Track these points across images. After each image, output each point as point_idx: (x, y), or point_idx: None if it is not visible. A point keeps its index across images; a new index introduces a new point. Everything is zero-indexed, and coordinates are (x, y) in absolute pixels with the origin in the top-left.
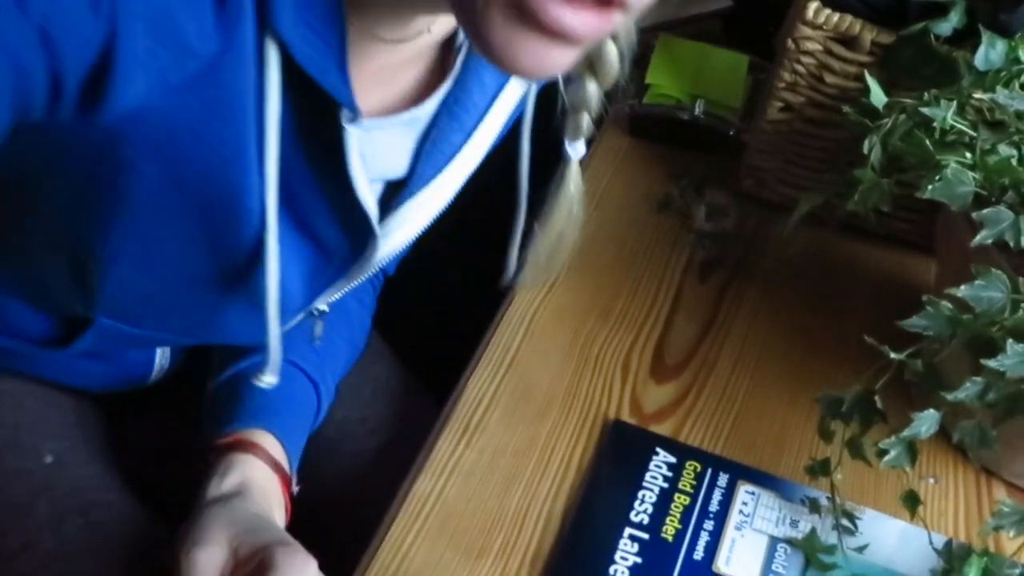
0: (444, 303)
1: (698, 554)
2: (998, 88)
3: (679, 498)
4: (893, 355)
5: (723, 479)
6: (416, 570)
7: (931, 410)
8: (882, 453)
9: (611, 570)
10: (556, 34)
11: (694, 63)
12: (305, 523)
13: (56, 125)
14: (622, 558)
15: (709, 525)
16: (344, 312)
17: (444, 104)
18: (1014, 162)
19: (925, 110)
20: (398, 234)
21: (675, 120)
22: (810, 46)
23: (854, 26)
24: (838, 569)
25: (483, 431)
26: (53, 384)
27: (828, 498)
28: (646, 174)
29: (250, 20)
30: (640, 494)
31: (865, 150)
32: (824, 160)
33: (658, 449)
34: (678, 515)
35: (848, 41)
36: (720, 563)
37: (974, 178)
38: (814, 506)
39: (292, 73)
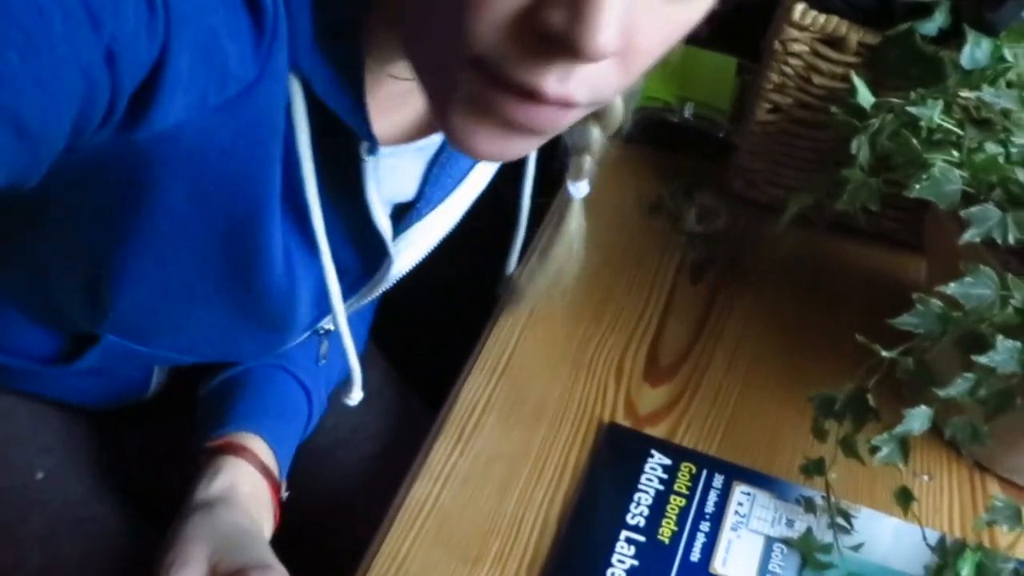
0: (437, 309)
1: (695, 555)
2: (984, 86)
3: (675, 500)
4: (885, 353)
5: (718, 480)
6: None
7: (923, 407)
8: (875, 450)
9: (608, 573)
10: (515, 128)
11: (682, 66)
12: (299, 530)
13: (91, 144)
14: (619, 561)
15: (705, 526)
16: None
17: None
18: (1001, 160)
19: (912, 109)
20: (406, 255)
21: (664, 123)
22: (797, 48)
23: (840, 27)
24: (834, 568)
25: (478, 437)
26: (48, 400)
27: (823, 497)
28: (636, 177)
29: (284, 50)
30: (636, 496)
31: (853, 150)
32: (813, 160)
33: (653, 451)
34: (674, 517)
35: (835, 42)
36: (717, 564)
37: (961, 176)
38: (809, 505)
39: (313, 103)
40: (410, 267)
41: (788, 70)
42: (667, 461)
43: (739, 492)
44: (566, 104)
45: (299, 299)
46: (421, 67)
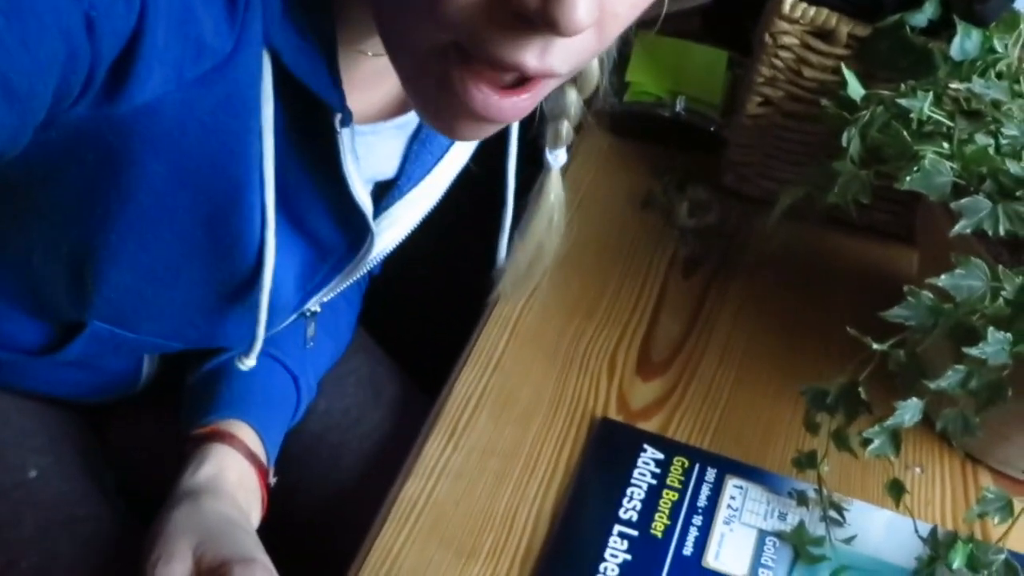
0: (430, 300)
1: (687, 549)
2: (974, 78)
3: (667, 494)
4: (876, 346)
5: (711, 474)
6: (407, 572)
7: (914, 399)
8: (867, 443)
9: (601, 568)
10: (487, 119)
11: (673, 60)
12: (291, 517)
13: (71, 119)
14: (612, 555)
15: (698, 520)
16: (332, 310)
17: None
18: (991, 151)
19: (902, 101)
20: (389, 233)
21: (656, 117)
22: (787, 40)
23: (830, 19)
24: (827, 561)
25: (471, 432)
26: (37, 396)
27: (815, 490)
28: (628, 172)
29: (258, 23)
30: (628, 491)
31: (844, 143)
32: (804, 153)
33: (646, 446)
34: (667, 511)
35: (825, 35)
36: (710, 558)
37: (952, 168)
38: (802, 498)
39: (287, 77)
40: (393, 245)
41: (779, 63)
42: (660, 455)
43: (731, 486)
44: (548, 76)
45: (282, 275)
46: (395, 50)
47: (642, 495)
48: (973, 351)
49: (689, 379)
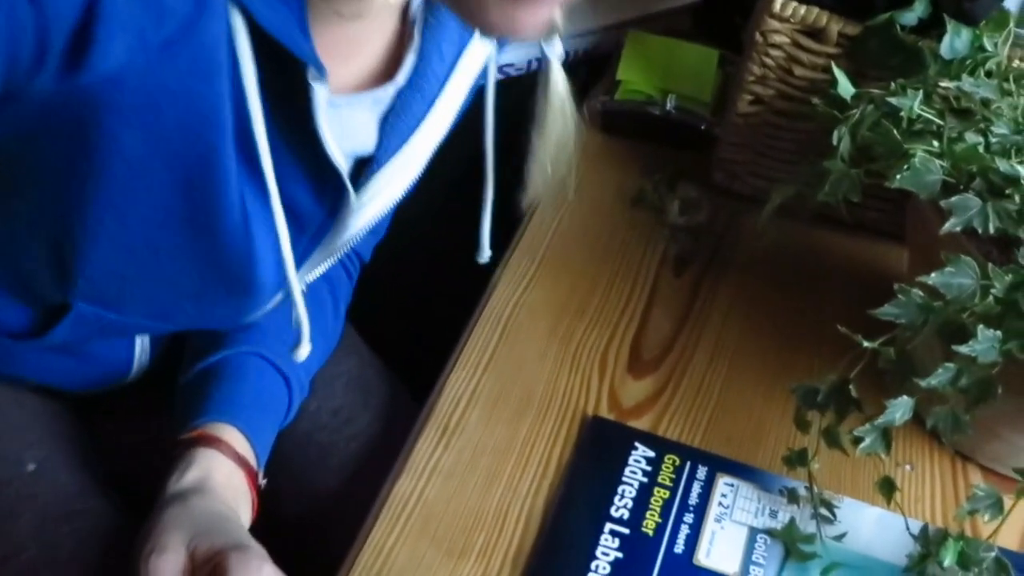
0: (420, 302)
1: (679, 547)
2: (964, 76)
3: (659, 492)
4: (866, 344)
5: (702, 472)
6: (399, 571)
7: (904, 397)
8: (858, 441)
9: (592, 566)
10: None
11: (664, 58)
12: (279, 515)
13: (38, 93)
14: (603, 553)
15: (689, 518)
16: (319, 304)
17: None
18: (981, 149)
19: (892, 100)
20: (370, 208)
21: (647, 115)
22: (778, 39)
23: (821, 18)
24: (817, 558)
25: (462, 431)
26: (30, 386)
27: (806, 488)
28: (619, 170)
29: None
30: (620, 489)
31: (834, 141)
32: (795, 152)
33: (637, 444)
34: (658, 509)
35: (815, 33)
36: (701, 555)
37: (942, 166)
38: (792, 496)
39: (258, 38)
40: (374, 219)
41: (769, 62)
42: (651, 453)
43: (722, 483)
44: None
45: (261, 249)
46: None
47: (633, 493)
48: (963, 349)
49: (680, 377)
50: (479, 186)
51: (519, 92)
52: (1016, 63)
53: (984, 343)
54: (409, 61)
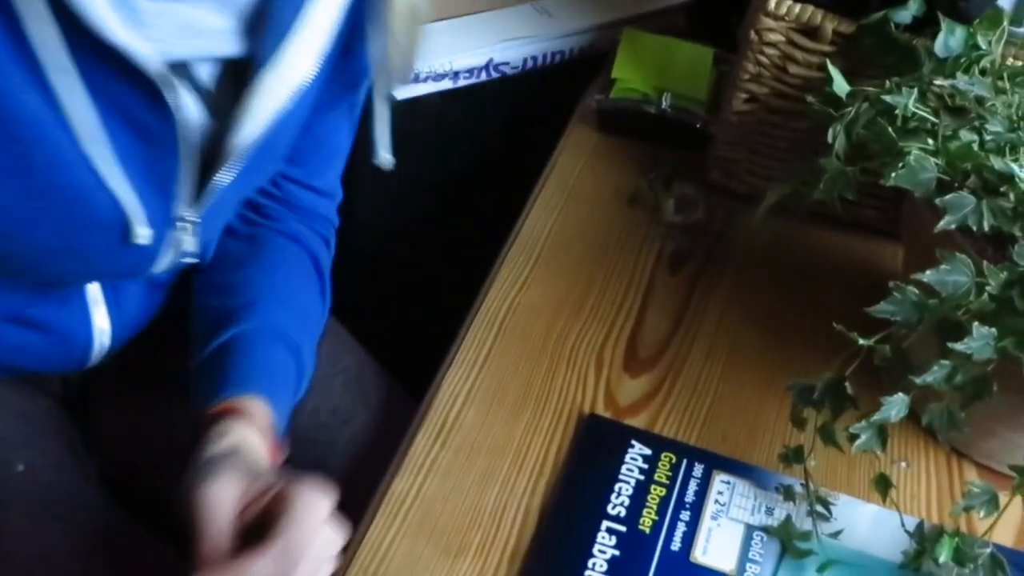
0: (418, 298)
1: (675, 545)
2: (958, 74)
3: (655, 490)
4: (862, 341)
5: (698, 469)
6: (396, 569)
7: (900, 394)
8: (853, 438)
9: (589, 563)
10: None
11: (659, 57)
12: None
13: None
14: (600, 551)
15: (686, 516)
16: (300, 265)
17: None
18: (975, 147)
19: (887, 98)
20: (250, 123)
21: (642, 114)
22: (773, 37)
23: (815, 16)
24: (814, 555)
25: (459, 429)
26: (13, 384)
27: (802, 485)
28: (615, 168)
29: None
30: (616, 487)
31: (830, 139)
32: (790, 150)
33: (633, 441)
34: (655, 507)
35: (810, 31)
36: (697, 553)
37: (937, 164)
38: (788, 493)
39: None
40: (260, 131)
41: (764, 60)
42: (647, 451)
43: (719, 481)
44: None
45: (123, 174)
46: None
47: (630, 491)
48: (958, 346)
49: (676, 375)
50: (476, 186)
51: (516, 91)
52: (1010, 61)
53: (979, 340)
54: None
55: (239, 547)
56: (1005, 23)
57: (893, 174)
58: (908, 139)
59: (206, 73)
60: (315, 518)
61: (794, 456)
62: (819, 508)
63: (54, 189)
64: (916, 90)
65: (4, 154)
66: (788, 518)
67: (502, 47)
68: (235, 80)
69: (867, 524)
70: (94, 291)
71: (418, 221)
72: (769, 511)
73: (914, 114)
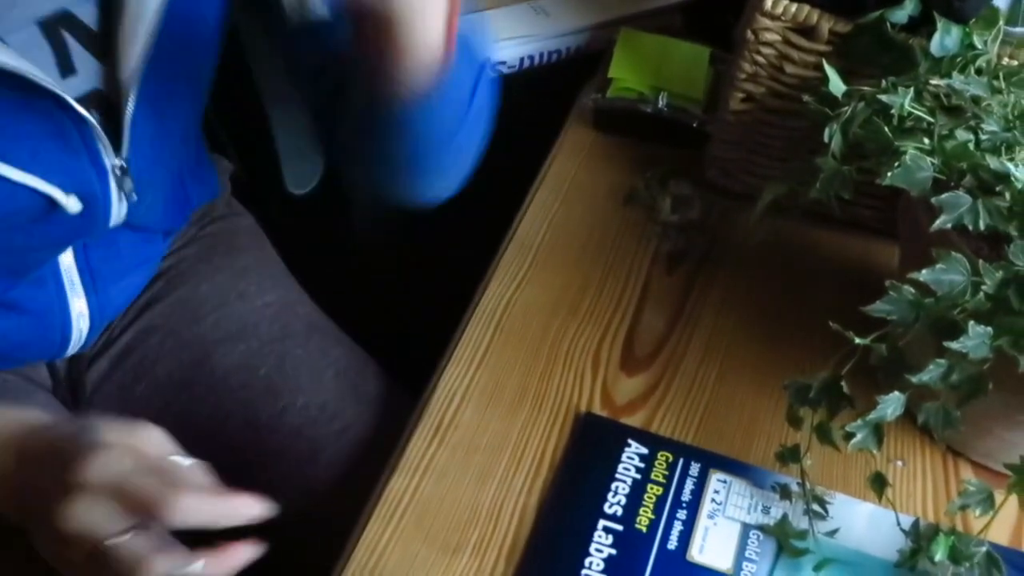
0: (414, 297)
1: (672, 544)
2: (954, 74)
3: (652, 489)
4: (858, 340)
5: (695, 468)
6: (392, 568)
7: (896, 393)
8: (849, 437)
9: (586, 562)
10: None
11: (656, 56)
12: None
13: None
14: (597, 550)
15: (682, 514)
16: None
17: None
18: (971, 146)
19: (883, 97)
20: (130, 49)
21: (639, 113)
22: (769, 37)
23: (812, 16)
24: (810, 554)
25: (456, 428)
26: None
27: (798, 484)
28: (611, 167)
29: None
30: (613, 486)
31: (826, 138)
32: (787, 149)
33: (630, 440)
34: (651, 505)
35: (807, 31)
36: (694, 552)
37: (933, 163)
38: (785, 492)
39: None
40: (141, 54)
41: (761, 59)
42: (644, 450)
43: (715, 480)
44: None
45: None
46: None
47: (627, 489)
48: (954, 345)
49: (673, 374)
50: (472, 185)
51: (513, 90)
52: (1006, 60)
53: (975, 339)
54: None
55: None
56: (1001, 23)
57: (889, 173)
58: (904, 138)
59: (88, 17)
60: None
61: (790, 455)
62: (815, 507)
63: None
64: (912, 89)
65: None
66: (784, 517)
67: (498, 46)
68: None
69: (863, 523)
70: (70, 273)
71: (415, 220)
72: (765, 510)
73: (910, 113)
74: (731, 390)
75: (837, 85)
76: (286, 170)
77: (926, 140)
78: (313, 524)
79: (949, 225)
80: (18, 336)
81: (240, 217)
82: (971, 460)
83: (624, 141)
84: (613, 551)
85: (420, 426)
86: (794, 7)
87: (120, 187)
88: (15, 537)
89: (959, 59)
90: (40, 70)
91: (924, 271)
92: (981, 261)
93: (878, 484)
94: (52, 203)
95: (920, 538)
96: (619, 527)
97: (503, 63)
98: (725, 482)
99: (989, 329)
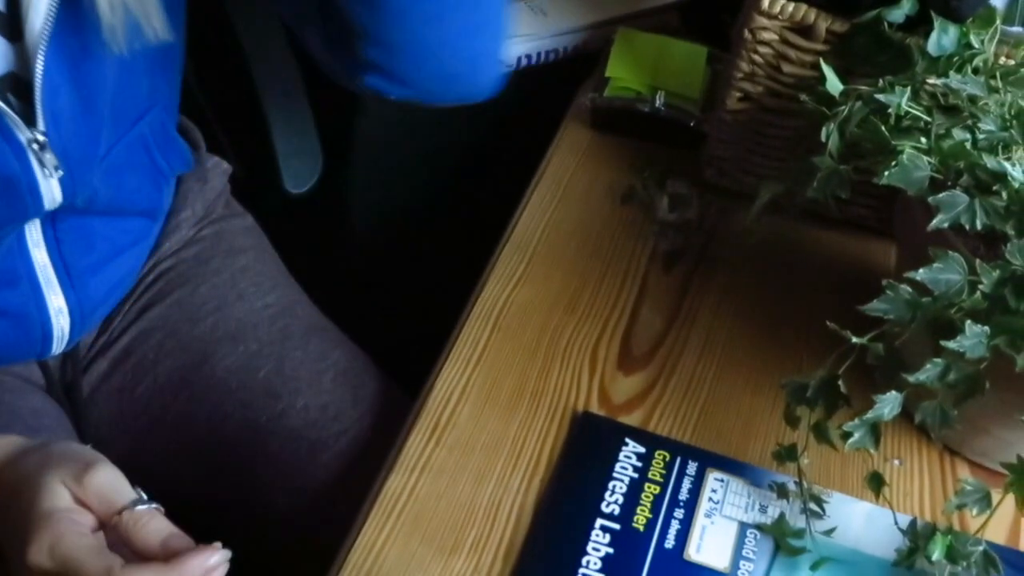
0: (412, 295)
1: (669, 543)
2: (951, 73)
3: (649, 487)
4: (855, 339)
5: (692, 467)
6: (390, 568)
7: (893, 392)
8: (847, 436)
9: (583, 561)
10: None
11: (653, 55)
12: (269, 512)
13: None
14: (594, 549)
15: (679, 513)
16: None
17: None
18: (968, 146)
19: (880, 97)
20: (32, 12)
21: (636, 112)
22: (767, 36)
23: (809, 15)
24: (807, 553)
25: (453, 427)
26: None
27: (795, 483)
28: (609, 166)
29: None
30: (610, 485)
31: (823, 138)
32: (784, 148)
33: (627, 439)
34: (648, 504)
35: (804, 30)
36: (691, 551)
37: (929, 163)
38: (782, 491)
39: None
40: (44, 13)
41: (758, 59)
42: (641, 449)
43: (712, 479)
44: None
45: None
46: None
47: (624, 488)
48: (951, 344)
49: (670, 373)
50: (470, 184)
51: (510, 90)
52: (1003, 60)
53: (972, 339)
54: None
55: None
56: (998, 22)
57: (886, 173)
58: (901, 138)
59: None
60: None
61: (787, 454)
62: (812, 506)
63: None
64: (909, 89)
65: None
66: (782, 516)
67: None
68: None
69: (860, 522)
70: (45, 271)
71: (413, 219)
72: (763, 509)
73: (907, 113)
74: (728, 389)
75: (834, 84)
76: (284, 169)
77: (923, 139)
78: (312, 526)
79: (946, 224)
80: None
81: (239, 218)
82: (968, 459)
83: (621, 140)
84: (610, 550)
85: (417, 425)
86: (791, 6)
87: (41, 163)
88: None
89: (956, 58)
90: None
91: (921, 270)
92: (978, 260)
93: (875, 483)
94: None
95: (917, 537)
96: (616, 526)
97: None
98: (722, 481)
99: (986, 328)
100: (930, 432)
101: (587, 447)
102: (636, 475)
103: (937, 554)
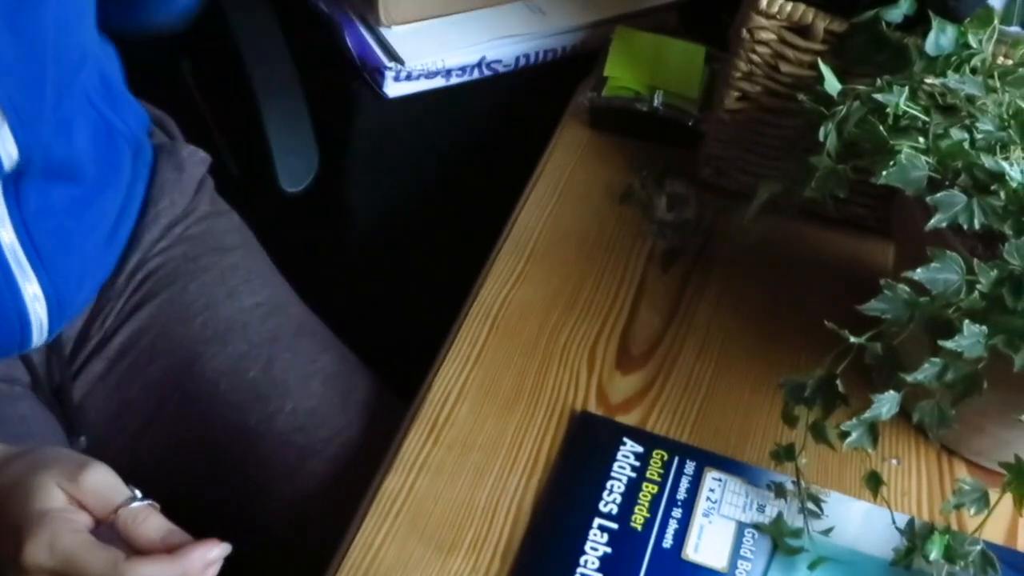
0: (409, 296)
1: (667, 542)
2: (949, 73)
3: (647, 487)
4: (853, 339)
5: (690, 467)
6: (388, 567)
7: (891, 391)
8: (844, 435)
9: (581, 561)
10: None
11: (652, 55)
12: (259, 517)
13: None
14: (592, 548)
15: (677, 513)
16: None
17: None
18: (966, 145)
19: (878, 96)
20: None
21: (634, 112)
22: (765, 36)
23: (807, 15)
24: (805, 552)
25: (451, 427)
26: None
27: (793, 482)
28: (607, 166)
29: None
30: (608, 484)
31: (821, 137)
32: (782, 148)
33: (625, 439)
34: (646, 504)
35: (802, 30)
36: (689, 550)
37: (927, 162)
38: (780, 491)
39: None
40: None
41: (756, 58)
42: (639, 448)
43: (710, 478)
44: None
45: None
46: None
47: (622, 488)
48: (949, 344)
49: (668, 372)
50: (468, 184)
51: (509, 89)
52: (1001, 60)
53: (970, 338)
54: None
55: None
56: (996, 22)
57: (884, 172)
58: (899, 137)
59: None
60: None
61: (785, 453)
62: (810, 505)
63: None
64: (907, 88)
65: None
66: (779, 515)
67: (494, 45)
68: None
69: (858, 521)
70: (15, 254)
71: (410, 218)
72: (760, 508)
73: (905, 112)
74: (726, 388)
75: (832, 84)
76: (280, 167)
77: (921, 139)
78: (302, 529)
79: (944, 224)
80: None
81: (225, 215)
82: (965, 459)
83: (620, 140)
84: (608, 549)
85: (415, 424)
86: (789, 6)
87: None
88: None
89: (954, 58)
90: None
91: (919, 270)
92: (976, 260)
93: (873, 483)
94: None
95: (915, 537)
96: (614, 525)
97: (499, 62)
98: (720, 480)
99: (984, 328)
100: (928, 432)
101: (585, 446)
102: (634, 474)
103: (935, 553)
